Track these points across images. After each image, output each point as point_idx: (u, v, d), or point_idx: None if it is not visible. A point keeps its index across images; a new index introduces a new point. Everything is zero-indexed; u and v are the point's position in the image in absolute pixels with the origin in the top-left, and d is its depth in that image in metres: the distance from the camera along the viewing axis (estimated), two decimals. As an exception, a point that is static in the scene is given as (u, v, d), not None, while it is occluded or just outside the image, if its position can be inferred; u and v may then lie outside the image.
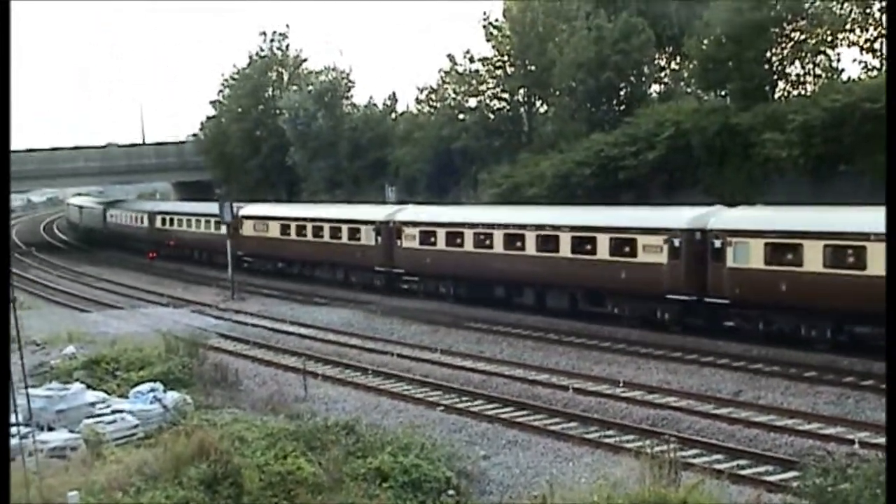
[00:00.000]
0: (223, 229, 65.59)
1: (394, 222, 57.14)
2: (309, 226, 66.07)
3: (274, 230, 69.79)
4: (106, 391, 30.03)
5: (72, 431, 25.21)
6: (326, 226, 64.45)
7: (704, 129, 52.45)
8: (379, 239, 58.03)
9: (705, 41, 56.91)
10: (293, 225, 68.08)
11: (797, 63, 54.69)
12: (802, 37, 53.58)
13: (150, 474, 21.30)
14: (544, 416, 29.75)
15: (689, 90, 62.92)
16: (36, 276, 79.45)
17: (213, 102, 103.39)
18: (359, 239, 60.49)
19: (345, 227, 62.18)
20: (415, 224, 55.52)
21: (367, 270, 60.19)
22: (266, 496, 19.94)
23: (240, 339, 45.36)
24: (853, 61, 53.42)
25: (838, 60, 53.68)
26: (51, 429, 25.59)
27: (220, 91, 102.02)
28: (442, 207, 59.66)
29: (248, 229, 70.72)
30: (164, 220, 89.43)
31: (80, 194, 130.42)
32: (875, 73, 51.15)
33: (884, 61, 52.12)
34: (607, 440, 26.73)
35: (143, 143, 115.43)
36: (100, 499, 19.83)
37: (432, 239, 54.15)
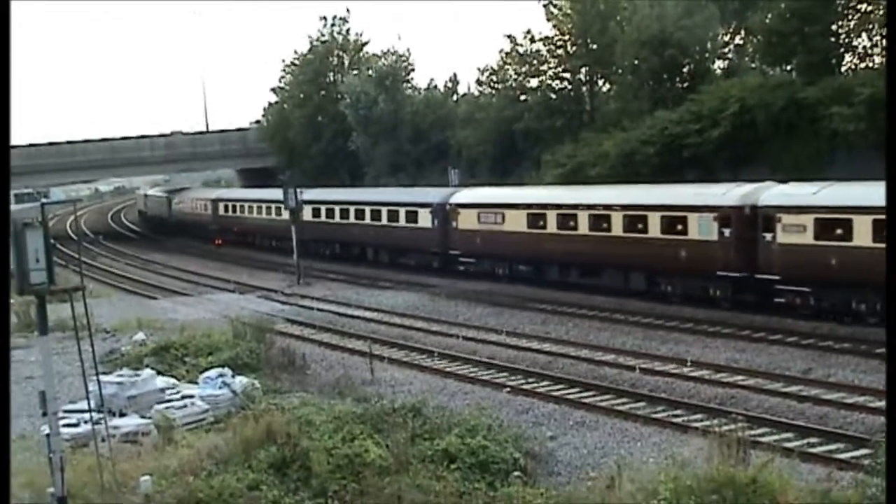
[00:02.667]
0: (287, 215, 65.91)
1: (450, 205, 57.57)
2: (367, 210, 66.40)
3: (332, 215, 70.42)
4: (175, 377, 30.36)
5: (143, 417, 25.55)
6: (384, 209, 64.83)
7: (770, 104, 51.82)
8: (436, 221, 58.56)
9: (769, 15, 56.28)
10: (351, 209, 68.55)
11: (864, 35, 53.88)
12: (869, 8, 52.70)
13: (221, 458, 21.55)
14: (611, 397, 29.64)
15: (753, 65, 62.20)
16: (104, 264, 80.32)
17: (274, 89, 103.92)
18: (416, 221, 60.94)
19: (402, 210, 62.68)
20: (471, 206, 55.98)
21: (424, 253, 60.80)
22: (334, 478, 20.03)
23: (306, 323, 45.57)
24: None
25: (907, 30, 52.84)
26: (122, 414, 25.92)
27: (282, 77, 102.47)
28: (498, 189, 59.87)
29: (308, 214, 70.29)
30: (227, 208, 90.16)
31: (157, 185, 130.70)
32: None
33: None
34: (675, 420, 26.59)
35: (207, 131, 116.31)
36: (172, 483, 20.06)
37: (488, 220, 54.69)
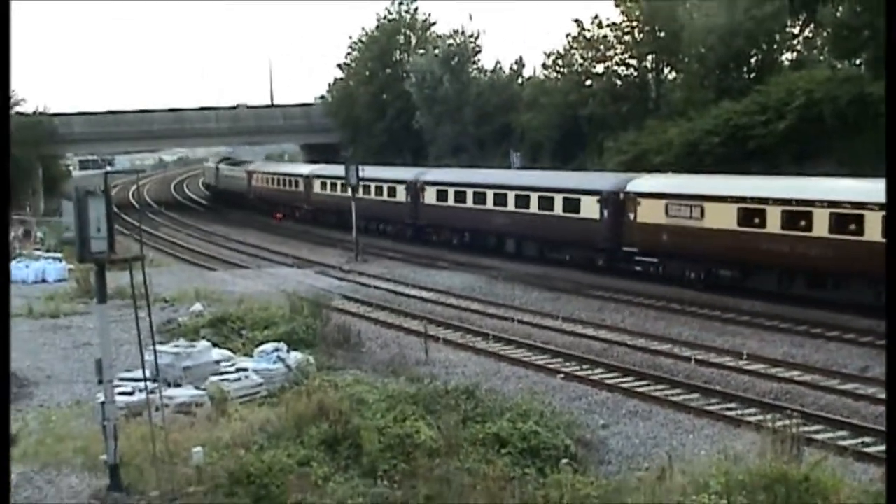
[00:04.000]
0: (349, 191, 65.92)
1: (626, 193, 49.09)
2: (510, 194, 61.31)
3: (462, 199, 69.35)
4: (231, 349, 30.52)
5: (197, 388, 25.72)
6: (533, 195, 61.29)
7: (837, 98, 51.31)
8: (605, 212, 50.19)
9: (840, 8, 55.64)
10: (489, 193, 64.40)
11: (935, 29, 53.14)
12: (943, 4, 51.99)
13: (273, 433, 21.70)
14: (665, 387, 29.45)
15: (821, 58, 61.60)
16: (166, 234, 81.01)
17: (340, 65, 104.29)
18: (578, 211, 53.17)
19: (558, 197, 57.26)
20: (656, 196, 47.54)
21: (587, 248, 53.24)
22: (384, 458, 20.09)
23: (363, 300, 45.67)
24: None
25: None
26: (177, 385, 26.12)
27: (349, 54, 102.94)
28: (693, 177, 51.27)
29: (431, 197, 67.12)
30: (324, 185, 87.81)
31: (227, 158, 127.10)
32: None
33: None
34: (729, 413, 26.39)
35: (272, 105, 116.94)
36: (223, 455, 20.23)
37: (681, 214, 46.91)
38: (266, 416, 23.08)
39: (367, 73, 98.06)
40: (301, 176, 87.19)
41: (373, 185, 70.37)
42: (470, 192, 61.24)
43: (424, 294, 47.68)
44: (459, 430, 21.31)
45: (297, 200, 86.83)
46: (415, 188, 66.52)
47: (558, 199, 53.33)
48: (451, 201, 63.29)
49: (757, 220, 41.95)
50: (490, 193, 59.45)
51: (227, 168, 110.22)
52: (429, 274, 54.53)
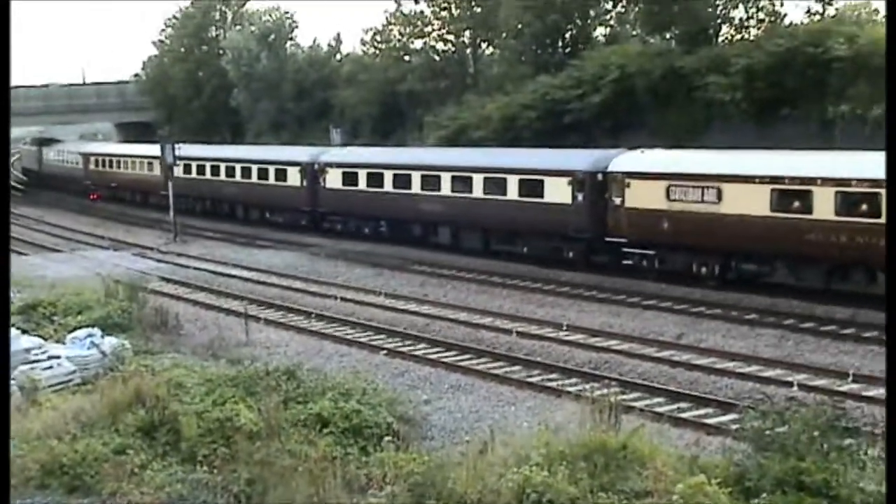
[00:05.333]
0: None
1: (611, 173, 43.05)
2: (222, 166, 67.79)
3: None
4: (43, 336, 29.52)
5: (7, 378, 24.81)
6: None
7: (649, 72, 52.43)
8: (580, 196, 44.18)
9: (651, -16, 56.81)
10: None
11: (741, 7, 54.74)
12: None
13: (87, 421, 21.03)
14: (487, 360, 29.60)
15: (634, 33, 62.78)
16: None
17: (155, 42, 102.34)
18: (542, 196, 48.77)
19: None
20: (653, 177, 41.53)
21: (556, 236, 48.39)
22: (204, 443, 19.65)
23: (181, 282, 44.87)
24: (795, 6, 53.84)
25: (781, 5, 53.85)
26: (-16, 375, 25.17)
27: (163, 31, 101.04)
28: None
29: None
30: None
31: (48, 140, 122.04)
32: (817, 17, 51.35)
33: (825, 6, 52.41)
34: (550, 384, 26.59)
35: (84, 83, 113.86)
36: (35, 446, 19.54)
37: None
38: (80, 404, 22.30)
39: (183, 51, 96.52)
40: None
41: (254, 167, 65.46)
42: (389, 175, 53.18)
43: (245, 274, 47.11)
44: (281, 412, 20.97)
45: (155, 186, 75.24)
46: (312, 170, 59.35)
47: (512, 181, 46.34)
48: (362, 185, 55.48)
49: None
50: (416, 175, 51.54)
51: (55, 151, 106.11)
52: (250, 253, 53.99)
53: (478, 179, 47.80)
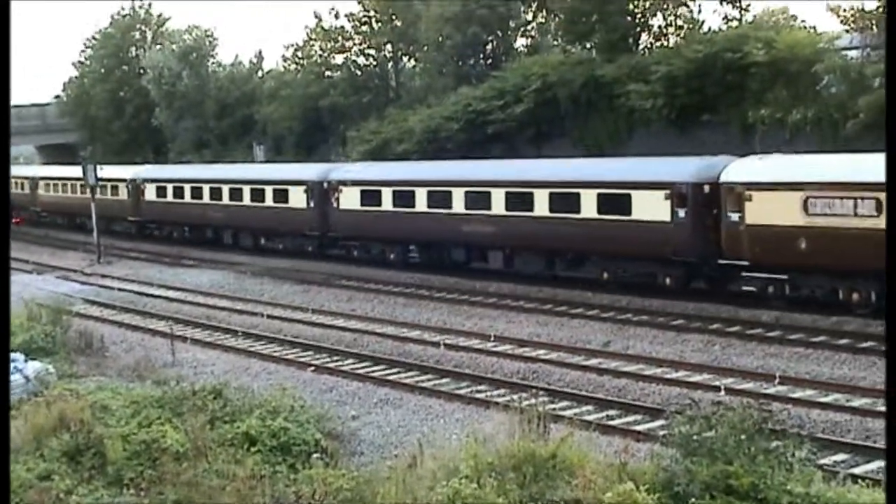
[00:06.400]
0: (88, 192, 64.10)
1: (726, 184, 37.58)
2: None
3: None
4: (-37, 363, 29.11)
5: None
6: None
7: (570, 81, 52.73)
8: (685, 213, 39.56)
9: (569, -6, 57.16)
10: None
11: (659, 15, 55.20)
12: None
13: (12, 448, 20.74)
14: (416, 373, 29.58)
15: (555, 43, 63.12)
16: None
17: (75, 63, 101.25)
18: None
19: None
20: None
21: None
22: (130, 465, 19.49)
23: (106, 304, 44.41)
24: (713, 12, 54.40)
25: (699, 12, 54.39)
26: None
27: (83, 51, 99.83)
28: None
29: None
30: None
31: None
32: (735, 23, 51.96)
33: (742, 12, 53.01)
34: (478, 395, 26.61)
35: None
36: (-44, 475, 19.25)
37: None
38: (3, 430, 22.06)
39: (103, 71, 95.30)
40: (126, 181, 71.19)
41: (246, 187, 58.88)
42: (422, 192, 46.75)
43: (171, 294, 46.77)
44: (207, 432, 20.84)
45: (123, 211, 71.16)
46: (321, 189, 52.72)
47: (587, 197, 39.79)
48: (387, 205, 48.86)
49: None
50: (459, 192, 45.16)
51: None
52: (175, 273, 53.57)
53: (540, 195, 41.30)
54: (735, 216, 34.78)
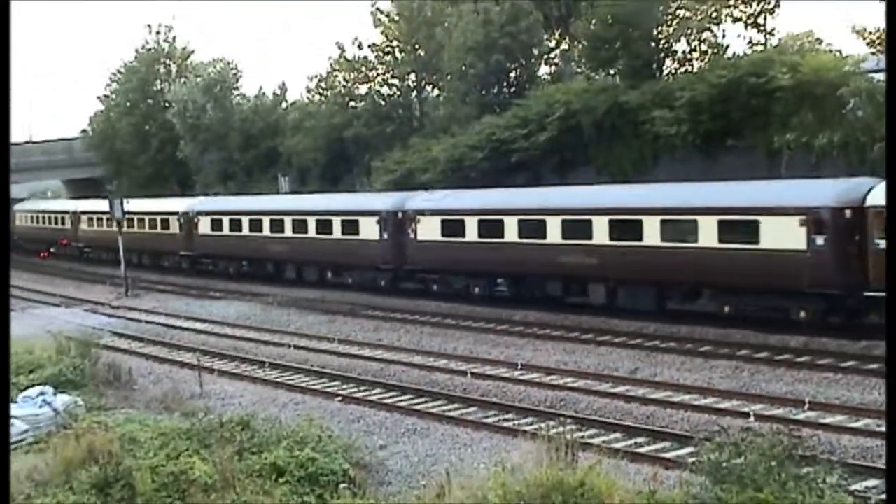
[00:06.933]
0: (115, 226, 64.43)
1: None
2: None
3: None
4: (-6, 396, 29.25)
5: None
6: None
7: (594, 108, 52.63)
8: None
9: (593, 21, 57.18)
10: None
11: (683, 40, 55.12)
12: (688, 14, 53.93)
13: (41, 480, 20.89)
14: (443, 403, 29.57)
15: (579, 70, 63.12)
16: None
17: (100, 97, 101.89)
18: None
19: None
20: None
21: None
22: (159, 497, 19.54)
23: (134, 336, 44.61)
24: (738, 37, 54.29)
25: (723, 36, 54.29)
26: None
27: (108, 86, 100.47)
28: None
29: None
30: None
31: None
32: (760, 47, 51.86)
33: (767, 36, 52.93)
34: (506, 424, 26.59)
35: (31, 141, 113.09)
36: (-13, 508, 19.31)
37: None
38: (33, 463, 22.14)
39: (128, 105, 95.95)
40: (178, 214, 68.41)
41: (311, 219, 55.95)
42: (512, 221, 43.99)
43: (198, 325, 46.96)
44: (235, 463, 20.84)
45: (174, 245, 68.66)
46: (396, 219, 49.94)
47: (706, 224, 36.90)
48: (471, 235, 45.96)
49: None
50: (554, 221, 42.30)
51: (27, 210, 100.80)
52: (202, 305, 53.73)
53: (651, 223, 38.40)
54: (884, 242, 31.17)
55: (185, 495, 19.44)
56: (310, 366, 35.94)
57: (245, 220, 61.37)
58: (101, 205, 72.97)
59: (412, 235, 48.58)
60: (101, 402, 29.95)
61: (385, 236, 50.15)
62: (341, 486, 20.09)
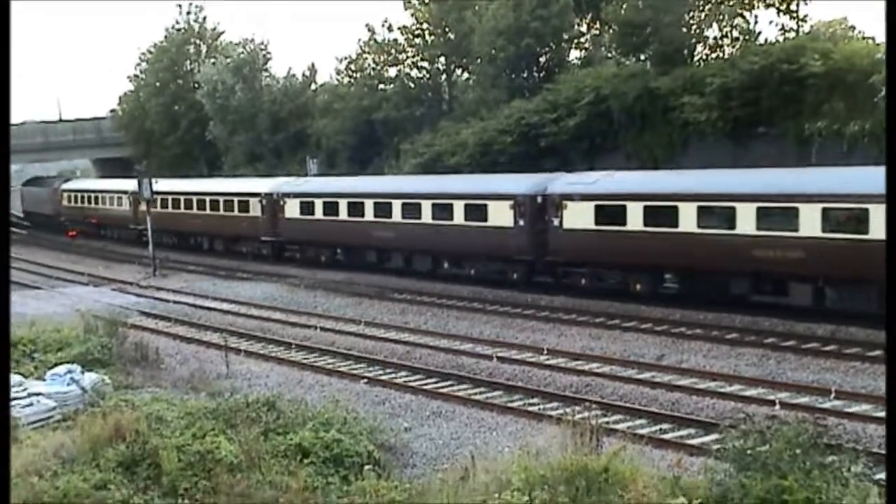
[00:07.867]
0: (143, 206, 64.53)
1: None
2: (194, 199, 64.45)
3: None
4: (23, 374, 29.41)
5: (-15, 417, 24.67)
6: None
7: (624, 94, 52.54)
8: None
9: (624, 6, 57.00)
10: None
11: (715, 26, 54.87)
12: (719, -1, 53.75)
13: (68, 457, 21.02)
14: (468, 386, 29.60)
15: (609, 55, 62.92)
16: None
17: (130, 77, 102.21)
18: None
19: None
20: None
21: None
22: (185, 476, 19.66)
23: (161, 316, 44.70)
24: (769, 23, 53.98)
25: (755, 23, 53.98)
26: (-37, 414, 25.02)
27: (138, 65, 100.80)
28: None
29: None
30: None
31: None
32: (792, 34, 51.56)
33: (799, 23, 52.61)
34: (531, 408, 26.62)
35: (60, 120, 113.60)
36: (15, 484, 19.39)
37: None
38: (60, 440, 22.28)
39: (158, 85, 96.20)
40: (260, 195, 62.76)
41: (426, 203, 49.48)
42: (690, 209, 37.98)
43: (225, 306, 47.00)
44: (260, 443, 20.95)
45: (254, 230, 63.31)
46: (535, 204, 43.87)
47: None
48: (634, 223, 39.79)
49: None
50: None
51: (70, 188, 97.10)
52: (229, 286, 53.80)
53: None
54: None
55: (210, 474, 19.56)
56: (336, 348, 35.98)
57: (343, 203, 55.23)
58: (170, 184, 70.30)
59: (556, 223, 42.75)
60: (128, 380, 30.06)
61: (521, 223, 44.42)
62: (366, 467, 20.15)
